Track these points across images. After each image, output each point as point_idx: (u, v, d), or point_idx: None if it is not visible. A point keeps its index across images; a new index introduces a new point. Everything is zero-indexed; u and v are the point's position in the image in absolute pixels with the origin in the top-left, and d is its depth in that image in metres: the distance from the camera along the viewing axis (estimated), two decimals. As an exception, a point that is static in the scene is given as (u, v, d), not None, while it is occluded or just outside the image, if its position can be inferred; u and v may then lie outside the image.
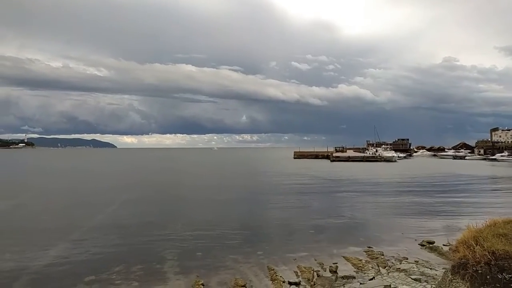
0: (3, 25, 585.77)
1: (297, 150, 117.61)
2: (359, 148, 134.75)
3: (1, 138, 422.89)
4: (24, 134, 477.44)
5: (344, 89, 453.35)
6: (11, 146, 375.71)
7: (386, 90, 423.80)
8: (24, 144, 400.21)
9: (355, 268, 10.74)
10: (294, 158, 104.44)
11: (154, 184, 36.77)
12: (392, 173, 49.65)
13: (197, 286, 9.40)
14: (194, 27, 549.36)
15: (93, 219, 18.31)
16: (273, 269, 10.59)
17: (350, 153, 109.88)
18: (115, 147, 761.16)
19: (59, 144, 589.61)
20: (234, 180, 42.17)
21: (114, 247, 13.37)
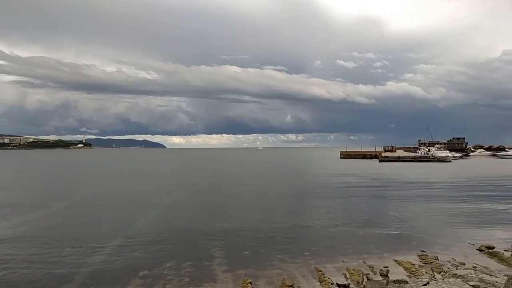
0: (62, 33, 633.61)
1: (344, 149, 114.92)
2: (409, 148, 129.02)
3: (62, 139, 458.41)
4: (82, 135, 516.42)
5: (393, 87, 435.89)
6: (71, 147, 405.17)
7: (438, 86, 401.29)
8: (82, 145, 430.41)
9: (407, 272, 10.32)
10: (341, 158, 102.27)
11: (201, 183, 37.72)
12: (447, 175, 47.04)
13: (245, 284, 9.51)
14: (238, 28, 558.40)
15: (145, 216, 19.16)
16: (320, 270, 10.47)
17: (400, 153, 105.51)
18: (165, 147, 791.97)
19: (113, 145, 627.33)
20: (279, 179, 42.14)
21: (164, 243, 13.89)
